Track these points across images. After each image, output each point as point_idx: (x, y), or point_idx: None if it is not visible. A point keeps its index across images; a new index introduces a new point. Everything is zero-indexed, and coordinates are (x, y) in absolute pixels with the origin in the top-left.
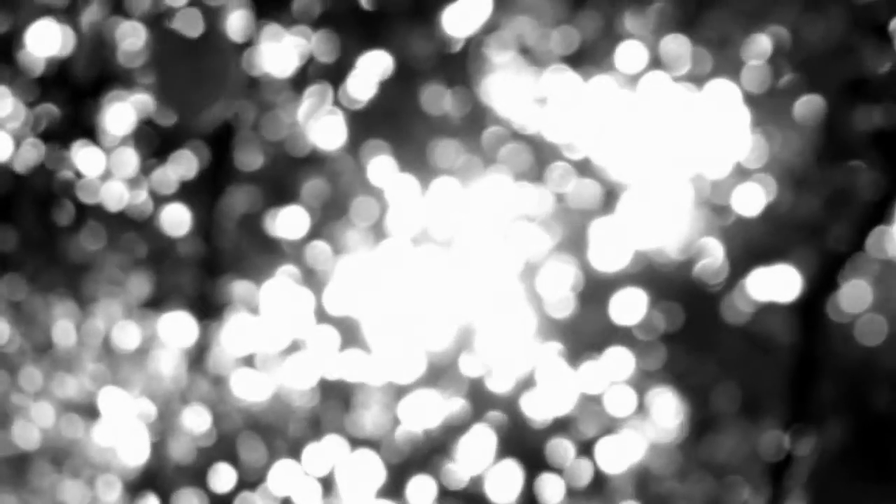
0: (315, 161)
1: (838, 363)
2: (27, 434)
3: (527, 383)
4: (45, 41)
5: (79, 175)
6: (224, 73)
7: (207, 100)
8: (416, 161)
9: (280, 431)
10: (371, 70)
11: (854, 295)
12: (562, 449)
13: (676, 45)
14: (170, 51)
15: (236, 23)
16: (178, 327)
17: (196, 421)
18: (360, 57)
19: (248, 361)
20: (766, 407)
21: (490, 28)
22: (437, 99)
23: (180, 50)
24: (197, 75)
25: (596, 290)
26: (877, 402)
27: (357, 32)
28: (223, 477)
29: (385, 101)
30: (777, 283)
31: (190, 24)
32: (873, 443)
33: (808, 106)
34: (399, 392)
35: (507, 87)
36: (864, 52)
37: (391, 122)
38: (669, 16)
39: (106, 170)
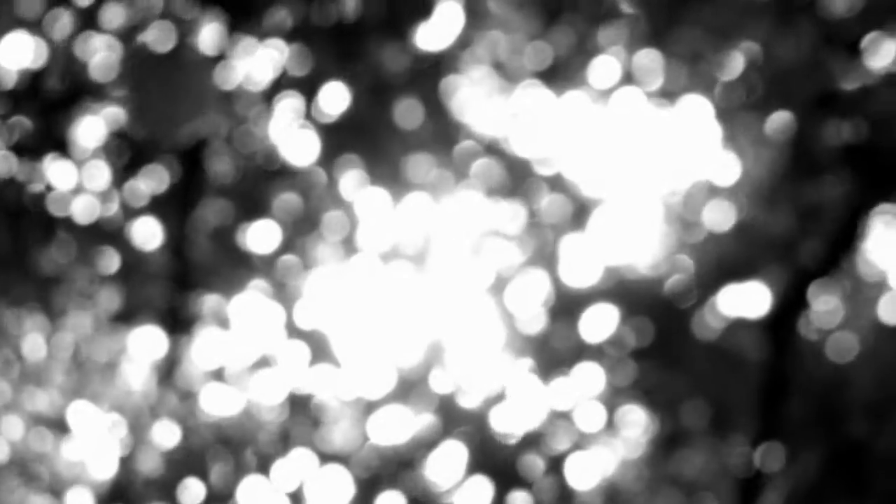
0: (286, 175)
1: (808, 380)
2: None
3: (497, 399)
4: (17, 54)
5: (50, 188)
6: (198, 89)
7: (182, 116)
8: (387, 176)
9: (249, 446)
10: (343, 84)
11: (825, 312)
12: (531, 464)
13: (649, 60)
14: (143, 66)
15: (209, 36)
16: (149, 341)
17: (165, 435)
18: (332, 71)
19: (218, 376)
20: (735, 423)
21: (463, 43)
22: (410, 114)
23: (153, 66)
24: (171, 91)
25: (567, 305)
26: (848, 420)
27: (330, 47)
28: (192, 491)
29: (357, 116)
30: (748, 300)
31: (162, 39)
32: (845, 460)
33: (778, 122)
34: (369, 407)
35: (480, 102)
36: (834, 67)
37: (363, 136)
38: (642, 32)
39: (77, 183)
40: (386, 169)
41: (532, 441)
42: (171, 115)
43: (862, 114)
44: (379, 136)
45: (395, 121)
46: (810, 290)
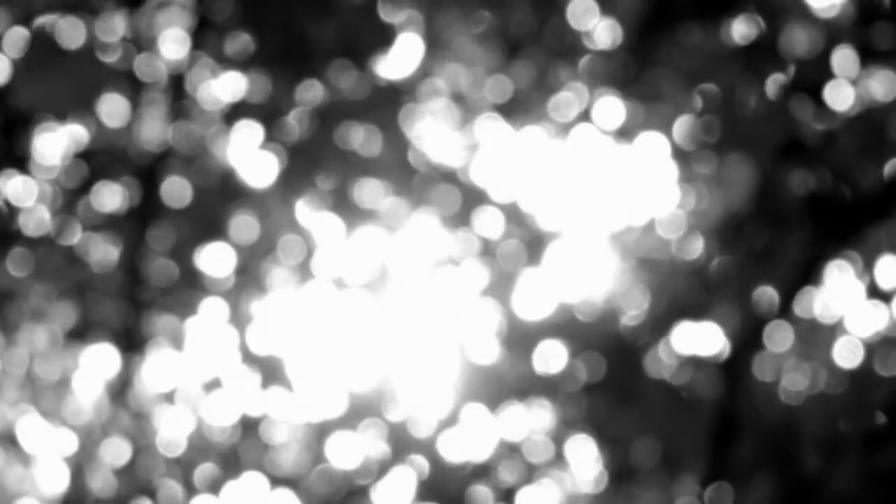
0: (243, 198)
1: (760, 421)
2: None
3: (447, 428)
4: None
5: (6, 203)
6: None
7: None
8: (343, 202)
9: (199, 467)
10: (302, 109)
11: (778, 354)
12: (481, 495)
13: (608, 98)
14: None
15: (171, 52)
16: (102, 359)
17: (116, 454)
18: (291, 95)
19: (170, 396)
20: (685, 462)
21: (423, 73)
22: (367, 141)
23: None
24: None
25: (519, 337)
26: (798, 462)
27: (289, 71)
28: None
29: (315, 141)
30: (701, 339)
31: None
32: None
33: (739, 164)
34: (320, 432)
35: (438, 133)
36: (800, 115)
37: (320, 162)
38: (603, 70)
39: (34, 198)
40: (342, 195)
41: (482, 472)
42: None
43: (824, 163)
44: (336, 162)
45: (352, 148)
46: (765, 332)
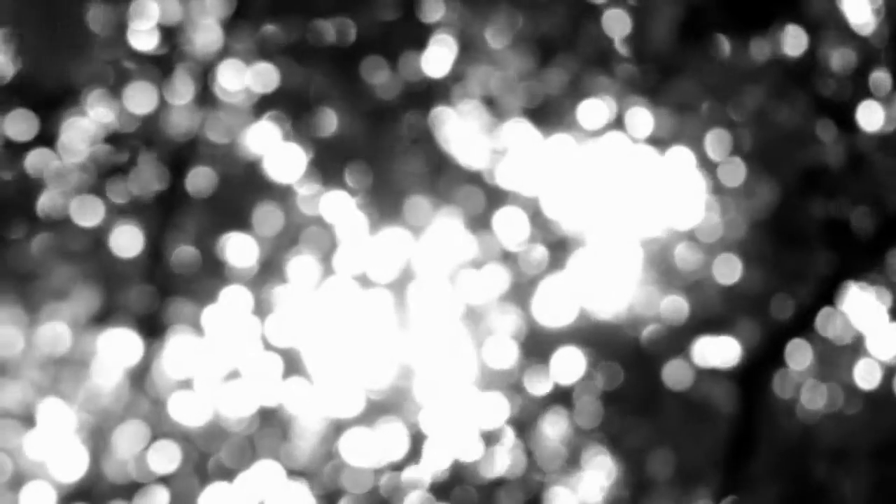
0: (270, 190)
1: (777, 437)
2: None
3: (462, 430)
4: (10, 49)
5: (34, 185)
6: (77, 31)
7: (62, 56)
8: (370, 199)
9: (215, 456)
10: (334, 105)
11: (797, 371)
12: (491, 499)
13: (639, 107)
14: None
15: (204, 41)
16: (122, 344)
17: (133, 439)
18: (322, 89)
19: (189, 384)
20: (699, 475)
21: (455, 75)
22: (397, 140)
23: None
24: (51, 31)
25: (538, 343)
26: (813, 477)
27: (321, 65)
28: (156, 497)
29: (345, 137)
30: (721, 353)
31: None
32: None
33: (764, 184)
34: (336, 426)
35: (467, 135)
36: (825, 141)
37: (349, 158)
38: (635, 79)
39: (62, 182)
40: (370, 192)
41: (495, 476)
42: (52, 54)
43: (845, 191)
44: (365, 159)
45: (382, 146)
46: (784, 349)
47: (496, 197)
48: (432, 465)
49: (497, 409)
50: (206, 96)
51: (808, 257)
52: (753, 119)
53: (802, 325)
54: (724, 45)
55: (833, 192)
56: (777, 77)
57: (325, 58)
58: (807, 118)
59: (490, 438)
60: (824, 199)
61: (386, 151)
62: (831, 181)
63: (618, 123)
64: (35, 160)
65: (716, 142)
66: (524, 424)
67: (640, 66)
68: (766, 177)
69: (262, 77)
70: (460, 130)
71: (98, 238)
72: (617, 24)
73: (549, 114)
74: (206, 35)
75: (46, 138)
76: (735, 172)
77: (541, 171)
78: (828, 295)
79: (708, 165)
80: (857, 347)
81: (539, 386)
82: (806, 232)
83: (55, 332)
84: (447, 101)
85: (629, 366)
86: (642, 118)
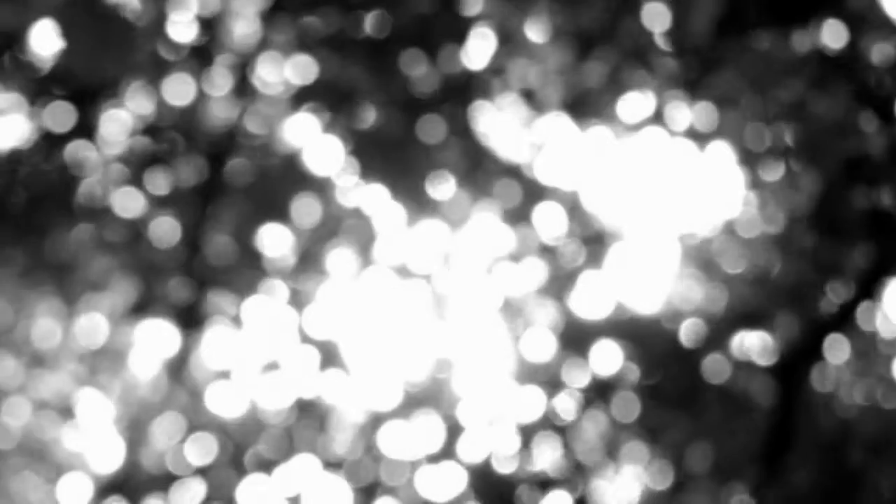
0: (308, 181)
1: (815, 431)
2: (1, 431)
3: (500, 423)
4: (50, 40)
5: (73, 177)
6: (123, 32)
7: (109, 56)
8: (407, 190)
9: (252, 448)
10: (371, 96)
11: (836, 365)
12: (529, 493)
13: (678, 101)
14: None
15: (242, 32)
16: (160, 336)
17: (170, 431)
18: (361, 81)
19: (226, 375)
20: (738, 469)
21: (495, 69)
22: (435, 132)
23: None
24: (98, 32)
25: (576, 337)
26: (851, 470)
27: (360, 57)
28: (193, 489)
29: (383, 129)
30: (760, 347)
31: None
32: None
33: (805, 175)
34: (374, 419)
35: (506, 128)
36: (867, 131)
37: (387, 150)
38: (674, 73)
39: (101, 174)
40: (407, 184)
41: (531, 470)
42: (91, 46)
43: (889, 180)
44: (403, 151)
45: (419, 138)
46: (823, 343)
47: (534, 190)
48: (469, 459)
49: (535, 403)
50: (244, 88)
51: (848, 250)
52: (795, 111)
53: (841, 318)
54: (765, 37)
55: (875, 183)
56: (818, 69)
57: (364, 50)
58: (848, 109)
59: (527, 432)
60: (866, 189)
61: (424, 144)
62: (873, 171)
63: (657, 117)
64: (74, 152)
65: (755, 135)
66: (562, 418)
67: (680, 60)
68: (807, 169)
69: (300, 69)
70: (499, 124)
71: (137, 229)
72: (656, 18)
73: (587, 107)
74: (245, 26)
75: (85, 130)
76: (774, 166)
77: (579, 164)
78: (867, 289)
79: (747, 159)
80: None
81: (577, 379)
82: (847, 223)
83: (93, 324)
84: (486, 95)
85: (668, 360)
86: (681, 112)
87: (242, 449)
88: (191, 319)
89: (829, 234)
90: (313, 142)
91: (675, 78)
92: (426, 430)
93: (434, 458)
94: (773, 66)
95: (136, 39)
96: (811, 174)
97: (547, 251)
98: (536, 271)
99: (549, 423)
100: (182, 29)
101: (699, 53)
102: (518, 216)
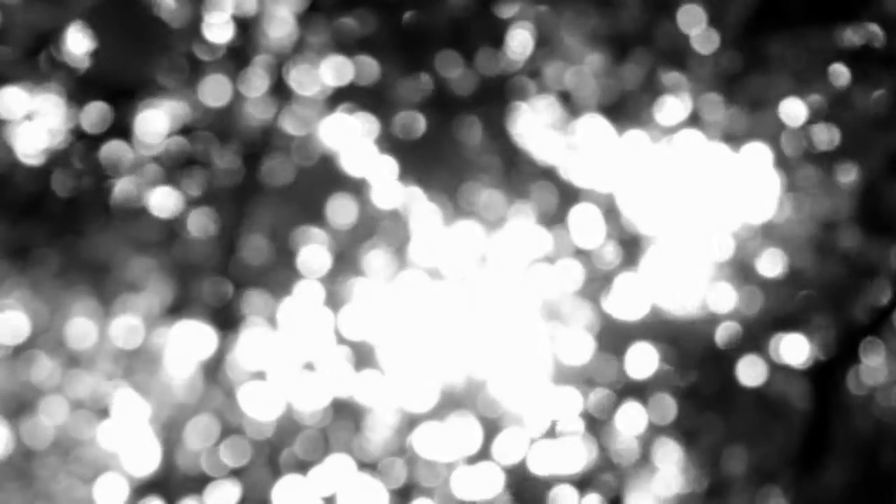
0: (344, 182)
1: (851, 434)
2: (38, 430)
3: (536, 426)
4: (86, 41)
5: (110, 176)
6: (155, 32)
7: (141, 57)
8: (443, 192)
9: (287, 449)
10: (406, 97)
11: (873, 368)
12: (565, 495)
13: (715, 104)
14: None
15: (278, 34)
16: (196, 336)
17: (206, 431)
18: (397, 83)
19: (262, 376)
20: (773, 472)
21: (531, 71)
22: (471, 134)
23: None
24: (130, 33)
25: (612, 339)
26: (887, 473)
27: (396, 59)
28: (228, 490)
29: (420, 131)
30: (796, 349)
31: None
32: None
33: (844, 175)
34: (409, 420)
35: (542, 131)
36: None
37: (424, 151)
38: (710, 75)
39: (137, 174)
40: (443, 185)
41: (568, 472)
42: (128, 47)
43: None
44: (439, 153)
45: (456, 140)
46: (860, 346)
47: (570, 193)
48: (505, 460)
49: (570, 404)
50: (280, 89)
51: (886, 250)
52: (837, 107)
53: (878, 321)
54: (808, 34)
55: None
56: (861, 64)
57: (400, 51)
58: (892, 105)
59: (563, 433)
60: None
61: (460, 145)
62: None
63: (693, 120)
64: (110, 152)
65: (792, 138)
66: (597, 420)
67: (716, 62)
68: (849, 166)
69: (336, 70)
70: (535, 126)
71: (172, 230)
72: (693, 20)
73: (624, 110)
74: (281, 27)
75: (121, 130)
76: (812, 168)
77: (615, 167)
78: None
79: (784, 161)
80: None
81: (613, 381)
82: (890, 219)
83: (129, 324)
84: (522, 97)
85: (703, 362)
86: (718, 114)
87: (277, 450)
88: (226, 320)
89: (869, 232)
90: (349, 143)
91: (711, 81)
92: (462, 432)
93: (470, 460)
94: (817, 62)
95: (172, 40)
96: (853, 171)
97: (583, 253)
98: (572, 273)
99: (585, 424)
100: (218, 30)
101: (736, 56)
102: (554, 218)
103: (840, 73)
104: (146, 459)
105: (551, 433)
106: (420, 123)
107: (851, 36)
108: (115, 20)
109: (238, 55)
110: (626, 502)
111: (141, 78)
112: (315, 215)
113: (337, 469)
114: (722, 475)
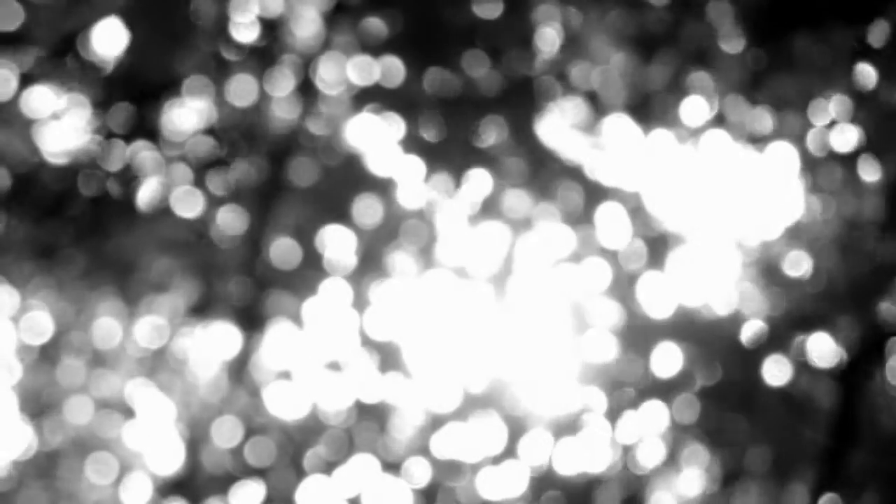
0: (370, 182)
1: (877, 434)
2: (62, 430)
3: (560, 424)
4: (113, 40)
5: (136, 176)
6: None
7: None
8: (468, 192)
9: (312, 449)
10: (433, 97)
11: None
12: (589, 494)
13: (740, 104)
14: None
15: (305, 33)
16: (221, 337)
17: (230, 432)
18: (423, 83)
19: (287, 376)
20: (798, 472)
21: (558, 71)
22: (496, 132)
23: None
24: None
25: (637, 338)
26: None
27: (422, 58)
28: (253, 490)
29: (443, 130)
30: (821, 349)
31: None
32: None
33: (869, 175)
34: (434, 420)
35: (568, 131)
36: None
37: (449, 150)
38: (737, 75)
39: (163, 173)
40: (468, 186)
41: (593, 471)
42: (155, 46)
43: None
44: (463, 152)
45: (480, 138)
46: (886, 345)
47: (596, 192)
48: (530, 460)
49: (595, 404)
50: (306, 88)
51: None
52: (864, 106)
53: None
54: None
55: None
56: (887, 63)
57: (427, 52)
58: None
59: (588, 433)
60: None
61: (485, 146)
62: None
63: (719, 120)
64: (136, 152)
65: (817, 137)
66: (622, 419)
67: (743, 62)
68: (873, 166)
69: (362, 70)
70: (561, 125)
71: (198, 230)
72: (719, 20)
73: (650, 110)
74: (308, 27)
75: (147, 130)
76: (837, 168)
77: (642, 166)
78: None
79: (809, 161)
80: None
81: (638, 381)
82: None
83: (154, 324)
84: (549, 97)
85: (728, 361)
86: (744, 115)
87: (302, 450)
88: (252, 320)
89: (894, 232)
90: (375, 143)
91: (737, 81)
92: (487, 432)
93: (495, 460)
94: (843, 61)
95: (198, 38)
96: (878, 171)
97: (608, 253)
98: (598, 273)
99: (610, 424)
100: (244, 30)
101: (760, 53)
102: (580, 217)
103: (866, 73)
104: (171, 459)
105: (576, 433)
106: (446, 123)
107: (878, 34)
108: (145, 19)
109: (264, 55)
110: (649, 502)
111: (168, 78)
112: (341, 215)
113: (361, 469)
114: (746, 474)
